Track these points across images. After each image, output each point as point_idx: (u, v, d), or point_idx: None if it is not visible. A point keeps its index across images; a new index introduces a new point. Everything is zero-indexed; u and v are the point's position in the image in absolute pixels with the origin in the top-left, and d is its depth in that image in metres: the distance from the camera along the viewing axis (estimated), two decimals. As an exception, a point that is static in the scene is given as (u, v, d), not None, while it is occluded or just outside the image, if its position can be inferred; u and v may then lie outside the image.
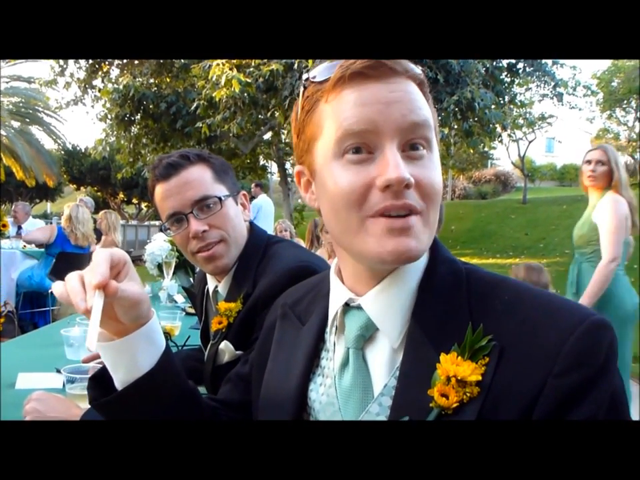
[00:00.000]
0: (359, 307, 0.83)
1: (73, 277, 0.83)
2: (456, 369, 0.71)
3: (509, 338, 0.72)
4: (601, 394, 0.69)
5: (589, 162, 3.46)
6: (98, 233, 6.87)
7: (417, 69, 0.79)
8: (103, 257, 0.83)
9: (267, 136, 13.74)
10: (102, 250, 0.87)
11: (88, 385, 0.96)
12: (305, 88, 0.82)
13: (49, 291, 6.15)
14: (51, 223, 8.66)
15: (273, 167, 18.57)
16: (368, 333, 0.82)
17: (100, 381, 0.95)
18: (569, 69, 17.61)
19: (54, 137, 24.61)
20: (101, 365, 0.96)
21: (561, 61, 13.47)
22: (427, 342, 0.76)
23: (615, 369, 0.71)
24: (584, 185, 3.54)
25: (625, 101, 22.80)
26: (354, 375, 0.82)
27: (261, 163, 17.51)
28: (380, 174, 0.73)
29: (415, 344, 0.77)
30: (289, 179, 15.25)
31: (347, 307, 0.85)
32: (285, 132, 12.58)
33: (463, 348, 0.73)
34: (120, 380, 0.92)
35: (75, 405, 1.43)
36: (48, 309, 6.22)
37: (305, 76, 0.82)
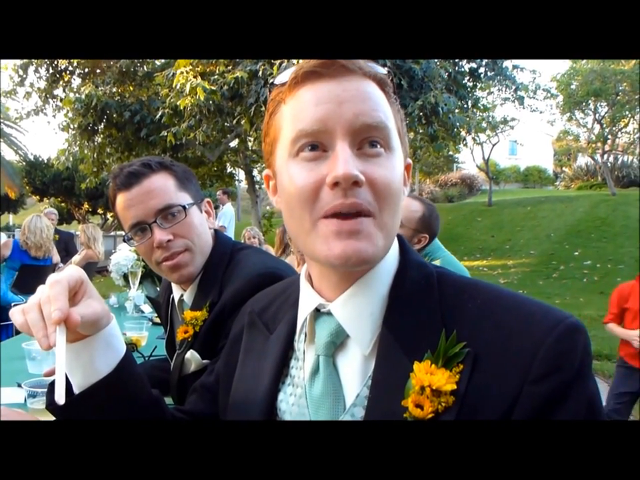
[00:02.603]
0: (329, 313, 0.81)
1: (32, 308, 0.82)
2: (430, 379, 0.69)
3: (483, 343, 0.71)
4: (578, 399, 0.68)
5: None
6: (56, 245, 6.72)
7: (378, 68, 0.78)
8: (60, 289, 0.82)
9: (234, 143, 13.68)
10: (57, 279, 0.84)
11: (47, 390, 0.95)
12: (270, 92, 0.83)
13: (12, 304, 6.02)
14: (13, 236, 8.48)
15: (241, 174, 18.48)
16: (339, 340, 0.81)
17: None
18: (528, 73, 18.03)
19: (15, 148, 24.12)
20: None
21: (521, 65, 13.72)
22: (399, 350, 0.74)
23: (590, 372, 0.70)
24: None
25: (584, 103, 23.37)
26: (325, 383, 0.80)
27: (228, 170, 17.42)
28: (330, 171, 0.72)
29: (387, 352, 0.75)
30: (257, 186, 15.20)
31: (318, 312, 0.83)
32: (252, 139, 12.55)
33: (436, 355, 0.71)
34: (77, 384, 0.91)
35: (37, 420, 1.40)
36: (10, 322, 6.07)
37: (270, 80, 0.83)
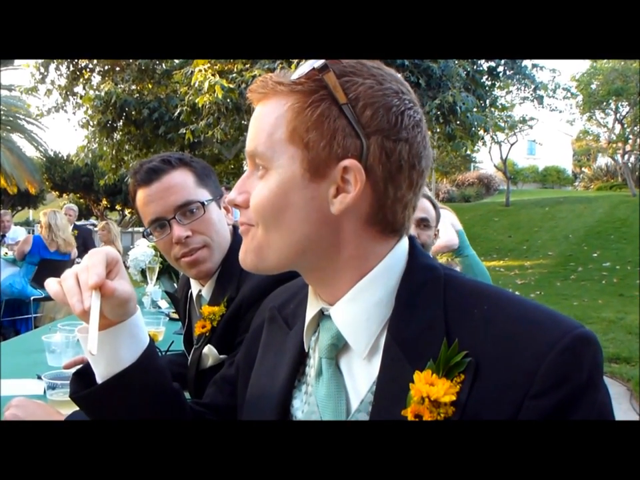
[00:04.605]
0: (330, 316, 0.82)
1: (68, 275, 0.85)
2: (429, 389, 0.68)
3: (486, 353, 0.69)
4: (584, 413, 0.65)
5: None
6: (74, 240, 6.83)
7: (303, 72, 0.74)
8: (99, 258, 0.86)
9: (251, 141, 13.73)
10: (96, 250, 0.88)
11: (71, 379, 0.96)
12: None
13: (31, 298, 6.13)
14: (33, 231, 8.61)
15: (257, 172, 18.50)
16: (340, 343, 0.81)
17: (83, 376, 0.95)
18: (548, 72, 17.70)
19: (35, 144, 24.45)
20: None
21: (541, 64, 13.57)
22: (402, 357, 0.73)
23: (599, 386, 0.68)
24: None
25: (604, 103, 23.05)
26: (328, 385, 0.81)
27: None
28: None
29: (390, 359, 0.74)
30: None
31: (322, 315, 0.84)
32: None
33: (437, 365, 0.70)
34: (100, 374, 0.92)
35: (56, 412, 1.42)
36: (30, 316, 6.20)
37: None
